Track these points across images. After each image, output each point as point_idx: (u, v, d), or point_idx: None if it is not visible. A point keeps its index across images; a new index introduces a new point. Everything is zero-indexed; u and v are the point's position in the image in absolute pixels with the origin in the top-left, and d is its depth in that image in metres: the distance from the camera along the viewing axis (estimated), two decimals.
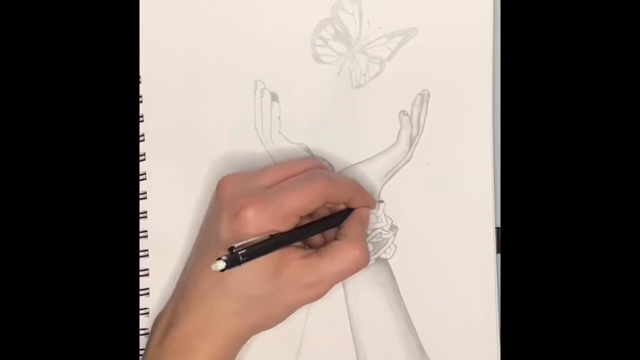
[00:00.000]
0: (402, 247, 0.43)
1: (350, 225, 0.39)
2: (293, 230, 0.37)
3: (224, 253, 0.34)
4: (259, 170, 0.39)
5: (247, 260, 0.34)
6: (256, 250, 0.35)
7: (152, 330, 0.40)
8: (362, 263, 0.38)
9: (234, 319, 0.37)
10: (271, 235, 0.36)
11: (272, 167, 0.39)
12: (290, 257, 0.37)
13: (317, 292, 0.38)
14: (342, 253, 0.38)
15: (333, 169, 0.43)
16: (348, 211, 0.40)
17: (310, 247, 0.40)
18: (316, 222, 0.40)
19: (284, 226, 0.36)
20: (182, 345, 0.37)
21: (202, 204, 0.42)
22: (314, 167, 0.39)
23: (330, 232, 0.40)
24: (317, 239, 0.40)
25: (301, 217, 0.38)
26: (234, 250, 0.34)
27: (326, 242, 0.40)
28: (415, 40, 0.42)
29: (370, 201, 0.41)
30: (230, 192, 0.37)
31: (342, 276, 0.38)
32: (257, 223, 0.35)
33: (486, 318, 0.42)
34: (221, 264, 0.33)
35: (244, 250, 0.34)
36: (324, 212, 0.40)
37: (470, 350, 0.42)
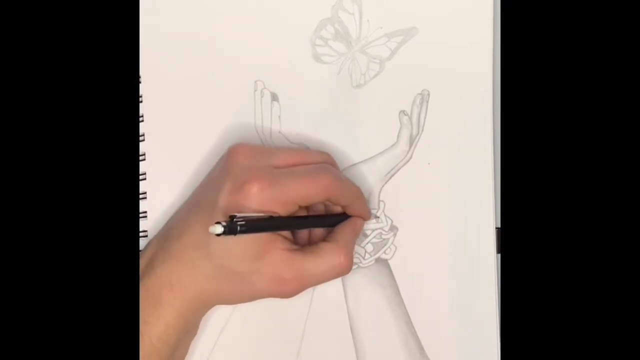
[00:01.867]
0: (402, 248, 0.43)
1: (342, 231, 0.40)
2: (292, 218, 0.37)
3: (218, 218, 0.35)
4: (273, 148, 0.40)
5: (242, 233, 0.34)
6: (253, 226, 0.35)
7: None
8: (343, 270, 0.38)
9: (206, 282, 0.37)
10: (270, 216, 0.36)
11: (286, 150, 0.40)
12: (275, 245, 0.37)
13: (291, 288, 0.38)
14: (327, 255, 0.38)
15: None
16: (344, 217, 0.41)
17: (296, 243, 0.40)
18: (313, 216, 0.40)
19: (282, 210, 0.36)
20: (153, 295, 0.37)
21: None
22: (325, 161, 0.40)
23: (318, 234, 0.40)
24: (303, 236, 0.40)
25: (300, 207, 0.38)
26: (234, 220, 0.34)
27: (312, 243, 0.40)
28: (415, 40, 0.42)
29: (366, 213, 0.42)
30: (239, 161, 0.37)
31: (321, 279, 0.38)
32: (258, 200, 0.36)
33: (486, 318, 0.42)
34: (219, 229, 0.33)
35: (243, 222, 0.34)
36: (320, 209, 0.41)
37: (470, 350, 0.42)
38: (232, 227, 0.34)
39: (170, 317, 0.37)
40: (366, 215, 0.42)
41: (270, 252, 0.37)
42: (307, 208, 0.40)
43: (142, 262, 0.39)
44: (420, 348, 0.42)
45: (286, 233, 0.39)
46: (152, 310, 0.37)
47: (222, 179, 0.37)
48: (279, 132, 0.43)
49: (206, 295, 0.38)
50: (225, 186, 0.37)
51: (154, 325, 0.37)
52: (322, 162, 0.39)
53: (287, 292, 0.38)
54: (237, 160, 0.38)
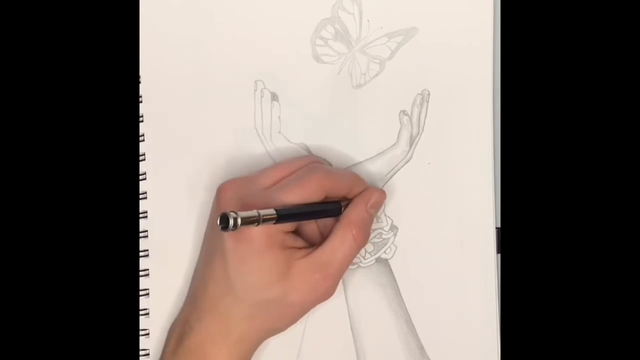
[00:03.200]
0: (403, 248, 0.43)
1: (350, 206, 0.39)
2: (295, 207, 0.37)
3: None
4: (258, 172, 0.39)
5: (248, 224, 0.33)
6: (251, 219, 0.34)
7: (166, 340, 0.40)
8: (360, 242, 0.38)
9: (245, 323, 0.37)
10: (276, 210, 0.35)
11: (271, 168, 0.40)
12: (294, 258, 0.37)
13: (326, 286, 0.38)
14: (339, 236, 0.38)
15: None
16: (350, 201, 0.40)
17: (311, 243, 0.40)
18: (318, 204, 0.38)
19: (285, 226, 0.37)
20: (196, 353, 0.37)
21: (202, 203, 0.42)
22: (310, 162, 0.40)
23: (329, 226, 0.40)
24: (316, 235, 0.40)
25: None
26: (233, 216, 0.33)
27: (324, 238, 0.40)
28: (416, 40, 0.42)
29: (374, 191, 0.40)
30: (229, 197, 0.38)
31: (347, 259, 0.38)
32: (262, 228, 0.35)
33: (486, 318, 0.42)
34: (230, 223, 0.33)
35: (234, 215, 0.33)
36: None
37: (470, 350, 0.42)
38: (235, 222, 0.33)
39: None
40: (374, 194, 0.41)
41: (293, 267, 0.37)
42: None
43: (178, 326, 0.39)
44: (421, 348, 0.42)
45: (298, 241, 0.39)
46: None
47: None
48: (279, 132, 0.43)
49: (249, 336, 0.38)
50: None
51: None
52: (307, 164, 0.39)
53: (325, 291, 0.38)
54: (226, 197, 0.38)
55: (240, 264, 0.36)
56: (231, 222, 0.33)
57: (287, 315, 0.38)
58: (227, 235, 0.36)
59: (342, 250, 0.38)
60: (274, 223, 0.35)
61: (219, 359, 0.37)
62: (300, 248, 0.38)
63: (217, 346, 0.37)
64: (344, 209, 0.39)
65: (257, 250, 0.36)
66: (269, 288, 0.37)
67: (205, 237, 0.41)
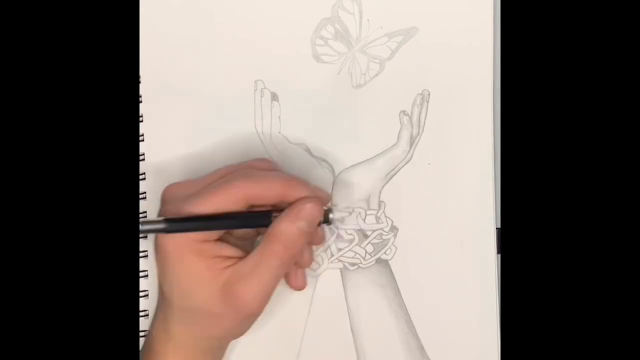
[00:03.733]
0: (403, 248, 0.43)
1: (277, 217, 0.36)
2: (215, 215, 0.35)
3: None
4: (204, 176, 0.38)
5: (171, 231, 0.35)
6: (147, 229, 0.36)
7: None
8: (284, 258, 0.35)
9: (179, 328, 0.37)
10: (166, 219, 0.35)
11: (211, 174, 0.38)
12: (218, 267, 0.36)
13: (247, 298, 0.35)
14: (261, 250, 0.36)
15: (333, 170, 0.43)
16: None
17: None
18: (243, 213, 0.36)
19: (206, 235, 0.36)
20: (154, 352, 0.38)
21: None
22: (244, 168, 0.38)
23: None
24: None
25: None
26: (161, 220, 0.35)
27: None
28: (416, 40, 0.42)
29: (306, 202, 0.36)
30: (163, 199, 0.38)
31: (268, 274, 0.35)
32: (170, 239, 0.36)
33: (486, 318, 0.42)
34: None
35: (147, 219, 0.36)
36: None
37: (470, 350, 0.42)
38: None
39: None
40: (317, 199, 0.36)
41: (217, 276, 0.35)
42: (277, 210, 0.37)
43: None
44: (421, 348, 0.42)
45: (225, 249, 0.37)
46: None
47: None
48: (279, 132, 0.43)
49: (189, 341, 0.37)
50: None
51: None
52: (240, 169, 0.37)
53: (248, 304, 0.35)
54: (162, 198, 0.38)
55: (159, 272, 0.37)
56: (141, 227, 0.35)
57: (220, 325, 0.36)
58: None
59: (261, 264, 0.35)
60: (166, 232, 0.36)
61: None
62: (230, 257, 0.36)
63: (164, 348, 0.37)
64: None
65: (169, 259, 0.36)
66: (187, 296, 0.36)
67: None
